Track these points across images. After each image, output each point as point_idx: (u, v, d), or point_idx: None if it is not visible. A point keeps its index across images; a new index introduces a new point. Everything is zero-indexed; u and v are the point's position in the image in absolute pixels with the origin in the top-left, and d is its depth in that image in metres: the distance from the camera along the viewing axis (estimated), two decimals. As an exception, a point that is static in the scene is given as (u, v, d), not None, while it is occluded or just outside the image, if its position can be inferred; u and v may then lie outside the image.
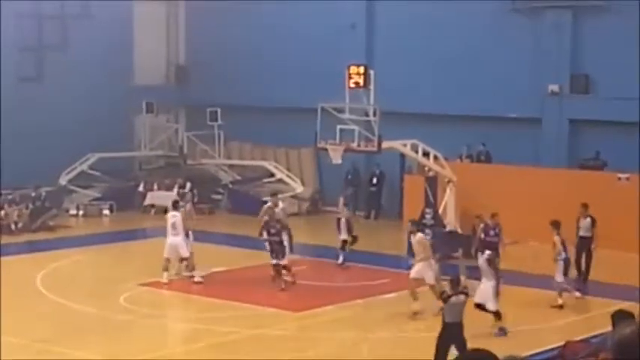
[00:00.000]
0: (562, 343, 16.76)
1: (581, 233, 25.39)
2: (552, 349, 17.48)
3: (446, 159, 30.02)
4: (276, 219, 24.90)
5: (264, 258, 24.93)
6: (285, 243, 24.53)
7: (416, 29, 35.22)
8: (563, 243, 22.93)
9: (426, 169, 29.83)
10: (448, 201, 29.54)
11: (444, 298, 17.26)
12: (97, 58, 36.90)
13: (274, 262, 24.11)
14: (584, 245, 25.34)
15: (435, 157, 29.22)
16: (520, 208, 29.87)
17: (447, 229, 29.22)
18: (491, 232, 23.77)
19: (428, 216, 29.19)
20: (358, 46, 36.22)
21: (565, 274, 22.91)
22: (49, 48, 36.99)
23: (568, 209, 26.04)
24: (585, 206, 25.51)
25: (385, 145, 27.49)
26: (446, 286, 17.95)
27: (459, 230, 29.46)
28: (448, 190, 29.54)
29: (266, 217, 25.25)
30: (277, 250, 24.07)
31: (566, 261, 23.00)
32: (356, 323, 21.44)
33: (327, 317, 22.04)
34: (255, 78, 38.37)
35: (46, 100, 35.57)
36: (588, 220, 25.33)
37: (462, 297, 17.21)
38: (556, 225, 22.98)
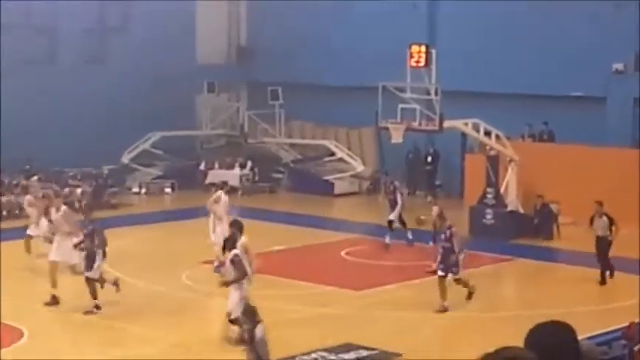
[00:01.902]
0: (626, 324, 16.57)
1: (598, 233, 23.37)
2: (615, 331, 17.29)
3: (508, 138, 29.75)
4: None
5: (325, 236, 25.01)
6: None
7: (477, 7, 34.86)
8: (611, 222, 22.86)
9: (488, 148, 29.61)
10: (510, 181, 29.30)
11: None
12: (160, 38, 37.08)
13: None
14: (602, 245, 23.27)
15: (497, 137, 29.00)
16: (582, 188, 29.54)
17: (509, 208, 29.01)
18: None
19: (489, 196, 29.01)
20: (420, 24, 35.97)
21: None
22: (111, 29, 37.24)
23: (632, 189, 25.69)
24: (600, 204, 23.59)
25: (446, 124, 27.36)
26: None
27: (521, 210, 29.25)
28: (510, 170, 29.30)
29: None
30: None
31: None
32: (417, 302, 21.37)
33: (387, 296, 22.02)
34: (316, 57, 38.31)
35: (109, 80, 35.84)
36: (604, 219, 23.29)
37: None
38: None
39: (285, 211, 33.40)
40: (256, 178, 38.33)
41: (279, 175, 39.14)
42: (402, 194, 27.85)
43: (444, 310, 20.17)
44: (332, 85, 37.59)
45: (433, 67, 27.18)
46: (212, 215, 24.50)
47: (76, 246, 20.72)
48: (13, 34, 33.49)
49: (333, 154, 37.94)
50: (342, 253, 26.35)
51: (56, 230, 21.87)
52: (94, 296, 20.11)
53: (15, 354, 17.50)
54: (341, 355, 17.36)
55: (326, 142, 38.19)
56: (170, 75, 37.03)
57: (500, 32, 34.47)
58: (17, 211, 32.04)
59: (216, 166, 38.66)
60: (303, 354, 17.19)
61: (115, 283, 20.62)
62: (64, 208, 22.45)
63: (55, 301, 20.69)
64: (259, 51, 40.77)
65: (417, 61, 27.21)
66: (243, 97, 42.17)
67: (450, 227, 20.99)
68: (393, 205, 27.40)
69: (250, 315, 14.67)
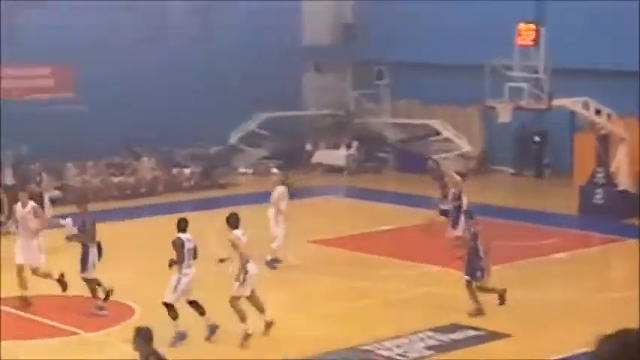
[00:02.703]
0: None
1: None
2: None
3: (619, 117, 29.19)
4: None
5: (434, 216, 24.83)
6: None
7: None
8: None
9: (598, 127, 29.10)
10: (620, 160, 28.77)
11: None
12: (266, 18, 37.27)
13: None
14: None
15: (608, 115, 28.47)
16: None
17: (619, 188, 28.50)
18: None
19: (599, 175, 28.55)
20: (528, 1, 35.45)
21: None
22: (218, 8, 37.55)
23: None
24: None
25: (555, 102, 27.00)
26: None
27: (632, 190, 28.70)
28: (621, 149, 28.76)
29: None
30: None
31: None
32: (524, 283, 21.17)
33: (495, 277, 21.82)
34: (422, 36, 38.02)
35: (215, 60, 36.17)
36: None
37: None
38: None
39: (391, 190, 33.36)
40: (362, 158, 38.36)
41: (385, 155, 39.09)
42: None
43: (479, 313, 18.45)
44: (438, 64, 37.30)
45: (541, 44, 26.80)
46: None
47: (69, 240, 19.48)
48: (123, 14, 34.03)
49: (439, 133, 37.72)
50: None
51: (23, 228, 19.64)
52: (94, 295, 18.77)
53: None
54: (448, 336, 17.32)
55: (432, 122, 37.97)
56: (276, 55, 37.20)
57: (610, 8, 33.73)
58: (129, 192, 32.78)
59: (322, 146, 38.80)
60: (411, 334, 17.18)
61: (107, 296, 18.92)
62: (31, 203, 20.12)
63: (26, 303, 19.21)
64: (365, 30, 40.66)
65: (525, 39, 26.88)
66: (349, 76, 42.16)
67: (475, 224, 19.33)
68: (443, 189, 25.92)
69: (143, 339, 11.94)
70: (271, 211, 22.69)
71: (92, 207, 30.35)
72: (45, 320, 18.53)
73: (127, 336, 15.81)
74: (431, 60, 37.46)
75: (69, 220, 20.78)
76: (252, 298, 17.30)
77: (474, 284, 18.58)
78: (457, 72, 35.98)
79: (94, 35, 33.01)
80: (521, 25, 27.07)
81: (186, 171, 34.63)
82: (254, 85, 36.03)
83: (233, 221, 17.56)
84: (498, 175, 36.77)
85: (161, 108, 34.10)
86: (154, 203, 31.68)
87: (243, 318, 16.86)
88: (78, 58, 32.70)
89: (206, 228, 26.03)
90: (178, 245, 16.91)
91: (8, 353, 16.38)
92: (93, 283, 18.75)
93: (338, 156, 37.63)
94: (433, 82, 37.97)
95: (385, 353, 16.42)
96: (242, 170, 37.42)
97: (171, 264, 17.02)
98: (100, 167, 33.17)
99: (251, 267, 17.30)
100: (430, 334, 17.27)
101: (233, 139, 37.56)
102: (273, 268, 22.19)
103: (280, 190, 22.78)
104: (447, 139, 37.38)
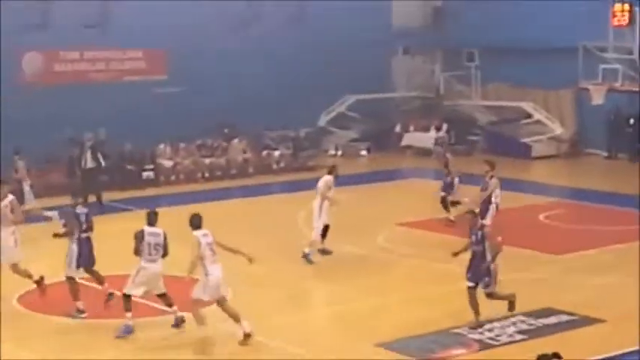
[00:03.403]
0: None
1: None
2: None
3: None
4: None
5: (523, 200, 24.58)
6: None
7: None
8: None
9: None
10: None
11: None
12: (357, 1, 37.12)
13: None
14: None
15: None
16: None
17: None
18: None
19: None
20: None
21: None
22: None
23: None
24: None
25: (651, 84, 26.48)
26: None
27: None
28: None
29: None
30: None
31: None
32: (619, 268, 20.83)
33: (588, 261, 21.55)
34: (512, 18, 37.54)
35: (306, 42, 36.17)
36: None
37: None
38: None
39: (481, 173, 33.02)
40: (452, 141, 38.11)
41: (475, 138, 38.80)
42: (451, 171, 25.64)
43: (478, 325, 16.69)
44: (529, 47, 36.80)
45: (636, 25, 26.31)
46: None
47: (58, 236, 17.70)
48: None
49: (530, 116, 37.30)
50: (541, 217, 25.95)
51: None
52: (75, 297, 17.44)
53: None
54: (541, 320, 17.11)
55: (523, 104, 37.55)
56: (366, 38, 37.08)
57: None
58: (220, 173, 33.09)
59: (412, 128, 38.69)
60: (503, 318, 17.03)
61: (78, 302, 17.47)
62: (10, 197, 18.57)
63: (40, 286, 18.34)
64: (455, 13, 40.32)
65: (620, 20, 26.41)
66: (438, 58, 41.85)
67: (482, 227, 17.09)
68: (450, 187, 25.20)
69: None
70: (316, 202, 21.86)
71: (183, 188, 31.29)
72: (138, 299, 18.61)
73: (222, 316, 16.01)
74: (522, 42, 36.96)
75: (54, 214, 20.31)
76: (224, 307, 15.98)
77: (483, 291, 16.72)
78: (549, 54, 35.45)
79: (187, 19, 33.28)
80: (617, 6, 26.60)
81: (276, 153, 34.82)
82: (344, 68, 35.98)
83: (195, 222, 16.00)
84: (591, 158, 36.24)
85: (252, 90, 34.27)
86: (244, 185, 31.95)
87: (200, 322, 15.90)
88: (171, 42, 33.04)
89: (294, 210, 26.21)
90: (139, 237, 16.15)
91: (96, 330, 16.59)
92: (74, 283, 17.55)
93: (427, 138, 37.45)
94: (524, 65, 37.48)
95: (477, 337, 16.30)
96: (331, 152, 37.54)
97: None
98: (192, 149, 33.51)
99: (213, 270, 15.74)
100: (522, 318, 17.09)
101: (322, 121, 37.66)
102: (326, 254, 21.65)
103: (327, 179, 21.94)
104: (538, 122, 36.96)
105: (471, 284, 16.64)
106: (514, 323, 16.92)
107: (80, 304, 17.40)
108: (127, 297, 16.42)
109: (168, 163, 32.53)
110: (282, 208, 27.52)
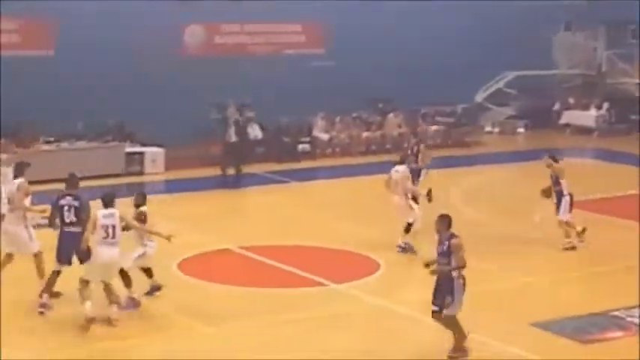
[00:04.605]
0: None
1: None
2: None
3: None
4: None
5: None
6: None
7: None
8: None
9: None
10: None
11: None
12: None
13: None
14: None
15: None
16: None
17: None
18: None
19: None
20: None
21: None
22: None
23: None
24: None
25: None
26: None
27: None
28: None
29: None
30: None
31: None
32: None
33: None
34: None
35: (465, 18, 35.71)
36: None
37: None
38: None
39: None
40: (613, 120, 37.24)
41: (638, 117, 37.78)
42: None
43: (461, 355, 14.10)
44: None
45: None
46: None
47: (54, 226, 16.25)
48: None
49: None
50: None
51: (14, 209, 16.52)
52: (47, 289, 16.13)
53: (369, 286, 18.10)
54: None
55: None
56: (527, 14, 36.46)
57: None
58: (375, 147, 33.19)
59: (571, 106, 38.00)
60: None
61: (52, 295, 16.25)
62: (20, 180, 16.79)
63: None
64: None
65: None
66: (601, 36, 40.83)
67: (450, 237, 14.26)
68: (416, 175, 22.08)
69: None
70: (399, 198, 20.36)
71: (338, 161, 31.51)
72: (292, 269, 18.91)
73: (372, 289, 16.08)
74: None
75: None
76: (105, 288, 15.42)
77: (445, 314, 14.07)
78: None
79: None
80: None
81: (432, 128, 34.71)
82: (503, 44, 35.48)
83: (105, 199, 15.31)
84: None
85: (409, 65, 34.10)
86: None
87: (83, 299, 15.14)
88: (329, 16, 33.27)
89: (449, 187, 26.07)
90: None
91: (242, 298, 16.89)
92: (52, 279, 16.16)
93: (587, 117, 36.69)
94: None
95: (636, 321, 15.92)
96: (488, 129, 37.21)
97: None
98: (347, 122, 33.71)
99: (102, 251, 15.16)
100: (616, 313, 16.51)
101: (480, 97, 37.31)
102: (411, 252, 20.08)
103: (403, 170, 20.71)
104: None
105: (436, 308, 14.20)
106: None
107: (46, 298, 15.92)
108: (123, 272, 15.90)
109: (324, 136, 32.84)
110: (436, 183, 27.36)
